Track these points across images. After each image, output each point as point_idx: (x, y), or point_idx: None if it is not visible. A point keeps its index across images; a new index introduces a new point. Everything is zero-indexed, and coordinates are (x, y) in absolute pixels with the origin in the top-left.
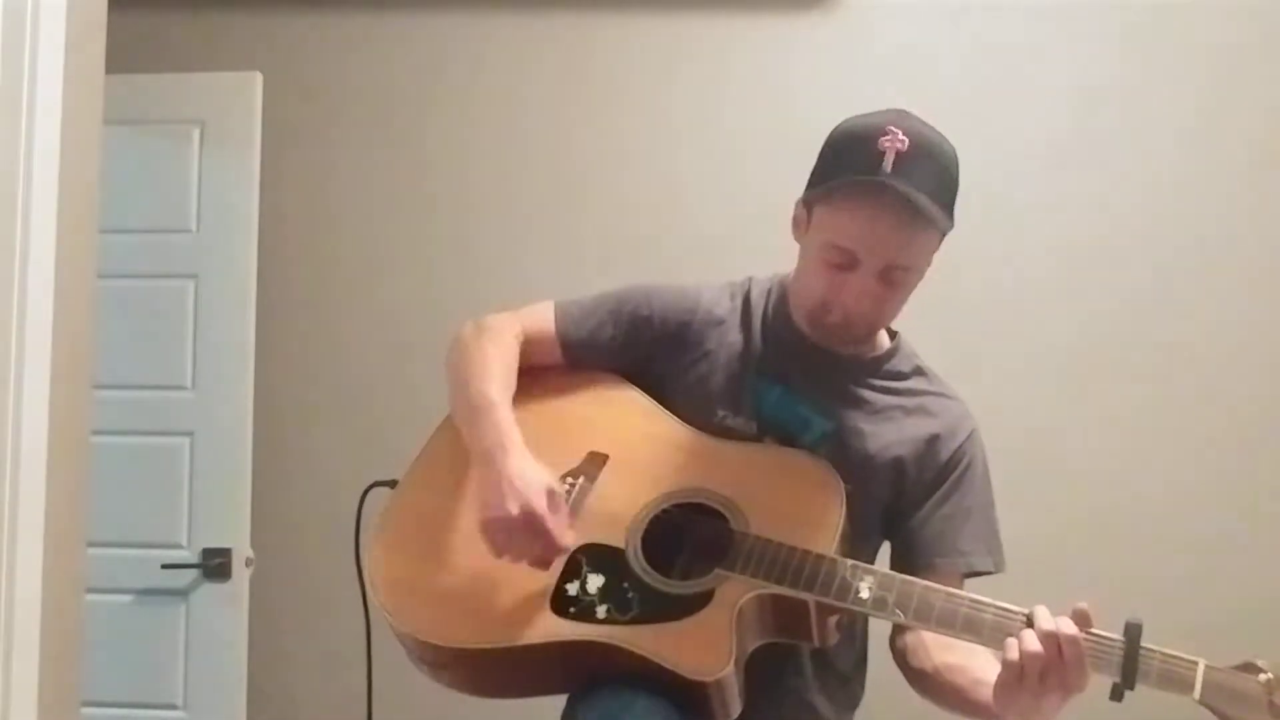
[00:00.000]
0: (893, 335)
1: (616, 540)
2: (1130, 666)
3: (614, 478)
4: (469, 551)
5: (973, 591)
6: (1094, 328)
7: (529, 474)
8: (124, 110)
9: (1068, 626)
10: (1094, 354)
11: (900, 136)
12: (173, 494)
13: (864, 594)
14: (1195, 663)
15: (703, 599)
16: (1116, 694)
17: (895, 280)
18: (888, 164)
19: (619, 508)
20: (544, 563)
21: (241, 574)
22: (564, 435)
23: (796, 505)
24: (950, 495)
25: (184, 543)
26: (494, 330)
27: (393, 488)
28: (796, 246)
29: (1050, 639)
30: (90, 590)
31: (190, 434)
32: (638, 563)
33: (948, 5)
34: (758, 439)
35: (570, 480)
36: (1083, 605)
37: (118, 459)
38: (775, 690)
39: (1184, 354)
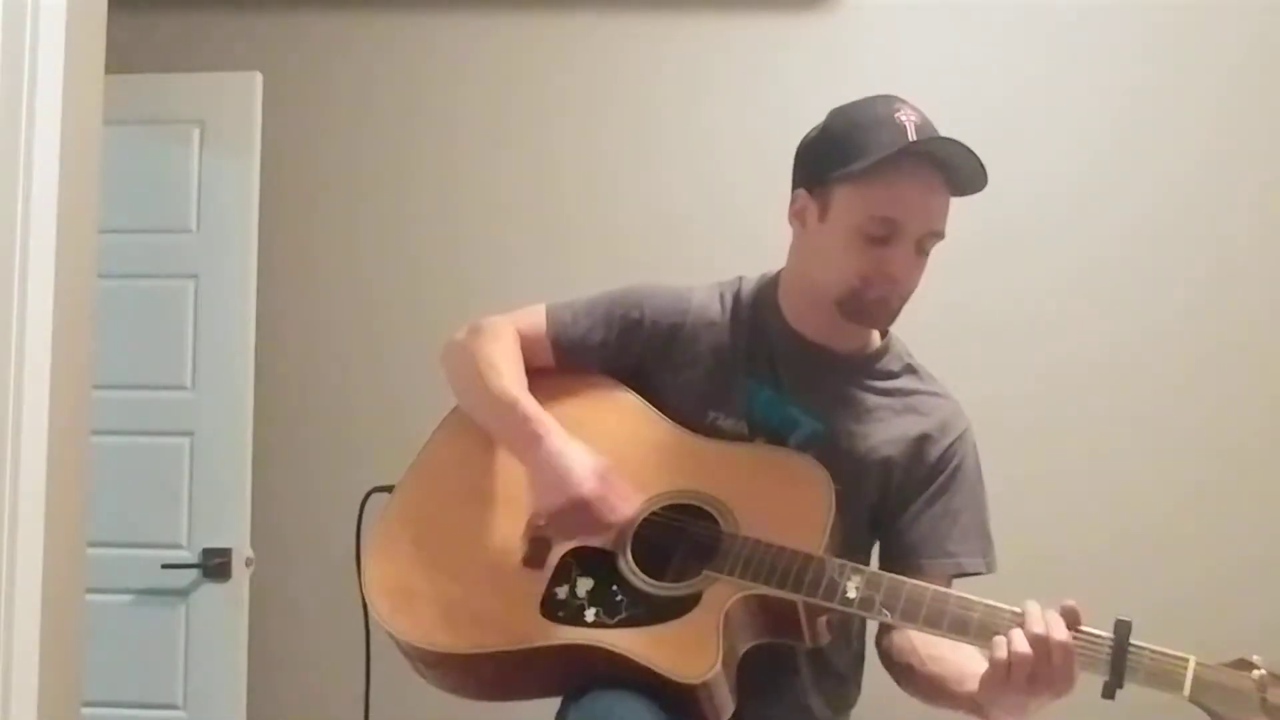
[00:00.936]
0: (884, 334)
1: (606, 543)
2: (1119, 664)
3: None
4: (462, 556)
5: (967, 591)
6: (1104, 328)
7: (569, 455)
8: (124, 110)
9: (1058, 629)
10: (1100, 354)
11: (910, 109)
12: (173, 494)
13: (851, 594)
14: (1185, 660)
15: (691, 601)
16: (1108, 691)
17: (927, 249)
18: (912, 133)
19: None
20: (608, 538)
21: (241, 574)
22: None
23: (786, 505)
24: (940, 495)
25: (184, 543)
26: (492, 329)
27: (390, 493)
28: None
29: (1040, 642)
30: (90, 590)
31: (190, 434)
32: (627, 565)
33: (947, 5)
34: (748, 440)
35: None
36: (1071, 603)
37: (118, 459)
38: (771, 690)
39: (1198, 357)
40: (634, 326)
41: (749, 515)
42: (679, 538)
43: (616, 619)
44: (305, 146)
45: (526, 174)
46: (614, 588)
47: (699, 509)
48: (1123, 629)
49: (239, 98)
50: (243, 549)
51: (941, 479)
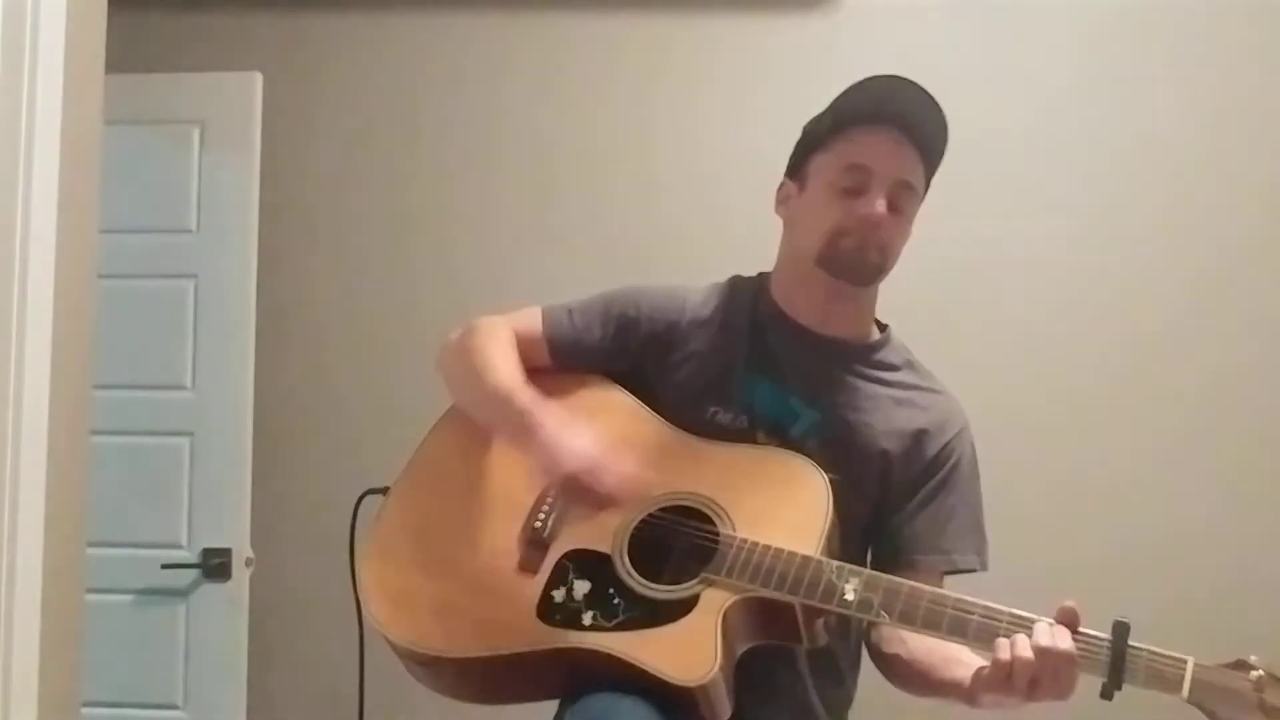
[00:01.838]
0: (883, 328)
1: (603, 545)
2: (1117, 665)
3: None
4: (457, 559)
5: (965, 591)
6: (1105, 329)
7: (570, 430)
8: (124, 110)
9: (1064, 642)
10: (1101, 356)
11: (885, 81)
12: (172, 494)
13: (849, 595)
14: (1184, 661)
15: (688, 604)
16: (1106, 693)
17: (901, 206)
18: (876, 98)
19: (606, 513)
20: (615, 502)
21: (241, 574)
22: None
23: (782, 507)
24: (937, 492)
25: (184, 543)
26: (488, 328)
27: (385, 494)
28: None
29: (1045, 654)
30: (90, 590)
31: (190, 434)
32: (624, 568)
33: (947, 6)
34: (749, 433)
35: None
36: (1069, 603)
37: (118, 459)
38: (770, 690)
39: (1199, 359)
40: (630, 325)
41: (745, 517)
42: (676, 540)
43: (614, 622)
44: (305, 146)
45: (525, 174)
46: (611, 590)
47: (696, 510)
48: (1121, 630)
49: (239, 98)
50: (242, 549)
51: (939, 476)
